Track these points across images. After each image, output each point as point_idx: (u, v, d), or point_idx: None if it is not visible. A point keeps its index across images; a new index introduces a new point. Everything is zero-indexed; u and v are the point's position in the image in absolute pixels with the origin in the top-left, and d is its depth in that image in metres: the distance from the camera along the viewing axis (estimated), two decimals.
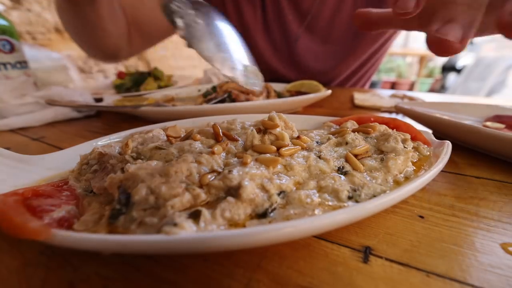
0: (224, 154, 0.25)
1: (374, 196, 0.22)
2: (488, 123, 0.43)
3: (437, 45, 0.23)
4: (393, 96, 0.78)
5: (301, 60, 0.94)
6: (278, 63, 0.97)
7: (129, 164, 0.22)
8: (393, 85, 3.82)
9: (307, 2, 0.85)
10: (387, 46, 0.97)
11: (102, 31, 0.68)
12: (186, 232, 0.16)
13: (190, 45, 0.20)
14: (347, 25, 0.87)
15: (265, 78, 0.25)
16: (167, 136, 0.28)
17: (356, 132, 0.30)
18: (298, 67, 0.96)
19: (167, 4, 0.22)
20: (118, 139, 0.34)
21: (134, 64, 1.79)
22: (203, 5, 0.23)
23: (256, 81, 0.22)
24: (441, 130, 0.39)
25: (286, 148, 0.25)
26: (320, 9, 0.85)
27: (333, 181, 0.22)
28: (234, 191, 0.20)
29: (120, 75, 0.93)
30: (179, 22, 0.21)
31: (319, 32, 0.89)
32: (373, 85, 2.59)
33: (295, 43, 0.91)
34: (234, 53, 0.22)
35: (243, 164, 0.22)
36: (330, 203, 0.21)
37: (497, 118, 0.45)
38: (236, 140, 0.28)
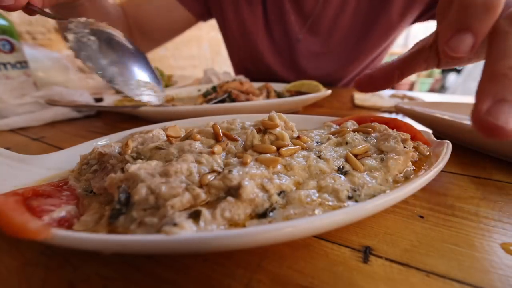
0: (224, 154, 0.25)
1: (374, 196, 0.22)
2: None
3: (489, 128, 0.17)
4: (393, 96, 0.78)
5: (303, 62, 0.93)
6: (279, 65, 0.96)
7: (129, 164, 0.22)
8: (393, 85, 3.82)
9: (310, 3, 0.83)
10: (389, 48, 0.96)
11: None
12: (186, 232, 0.16)
13: (77, 56, 0.21)
14: (349, 27, 0.85)
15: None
16: (167, 136, 0.28)
17: (356, 132, 0.30)
18: (300, 70, 0.95)
19: (64, 23, 0.25)
20: (118, 139, 0.34)
21: None
22: (105, 32, 0.26)
23: (152, 96, 0.24)
24: (441, 130, 0.39)
25: (286, 148, 0.25)
26: (323, 10, 0.83)
27: (333, 181, 0.22)
28: (234, 191, 0.20)
29: None
30: (70, 36, 0.22)
31: (321, 34, 0.88)
32: None
33: (297, 45, 0.90)
34: (129, 71, 0.24)
35: (243, 164, 0.22)
36: (330, 203, 0.21)
37: None
38: (236, 140, 0.28)
